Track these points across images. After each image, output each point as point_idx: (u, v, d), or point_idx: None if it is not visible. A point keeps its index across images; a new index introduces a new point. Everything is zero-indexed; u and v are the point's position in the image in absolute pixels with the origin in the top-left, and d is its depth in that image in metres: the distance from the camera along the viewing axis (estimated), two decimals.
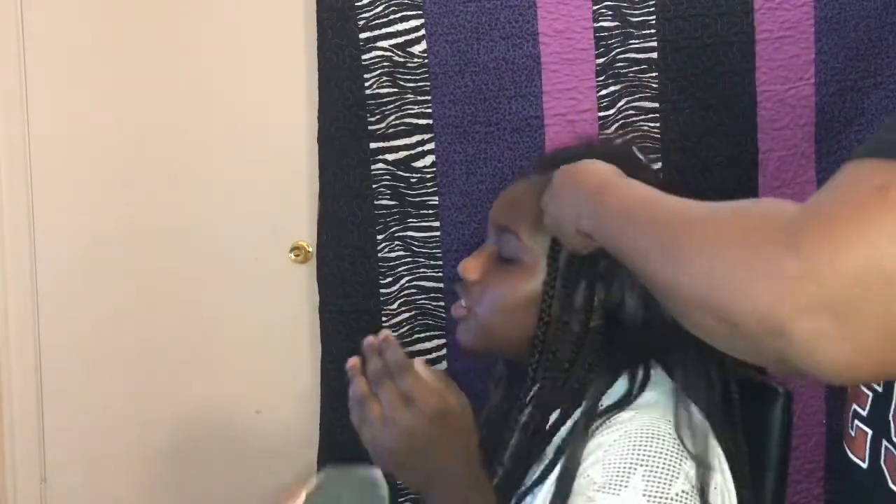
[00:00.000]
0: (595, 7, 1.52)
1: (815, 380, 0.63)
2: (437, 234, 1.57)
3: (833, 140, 1.53)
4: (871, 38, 1.49)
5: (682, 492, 0.82)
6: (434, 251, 1.58)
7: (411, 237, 1.58)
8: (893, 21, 1.48)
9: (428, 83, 1.54)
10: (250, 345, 1.74)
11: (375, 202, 1.58)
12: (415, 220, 1.58)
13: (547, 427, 0.94)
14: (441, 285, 1.59)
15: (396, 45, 1.54)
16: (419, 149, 1.56)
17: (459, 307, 1.05)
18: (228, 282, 1.73)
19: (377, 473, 0.89)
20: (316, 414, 1.64)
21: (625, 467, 0.83)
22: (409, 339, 1.60)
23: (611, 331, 0.96)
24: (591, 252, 0.93)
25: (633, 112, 1.54)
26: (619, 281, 0.95)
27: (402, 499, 1.63)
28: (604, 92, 1.53)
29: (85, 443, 1.77)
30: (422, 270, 1.59)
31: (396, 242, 1.59)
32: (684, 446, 0.85)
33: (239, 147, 1.70)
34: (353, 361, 0.91)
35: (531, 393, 0.97)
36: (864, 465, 0.85)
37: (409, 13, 1.53)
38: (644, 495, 0.81)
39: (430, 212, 1.57)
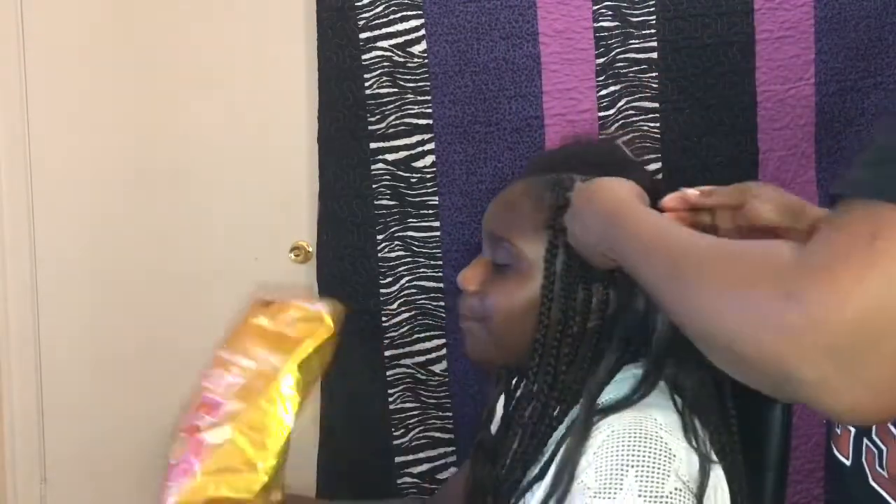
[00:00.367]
0: (595, 7, 1.52)
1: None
2: (437, 234, 1.58)
3: (833, 140, 1.53)
4: (871, 38, 1.49)
5: (676, 489, 0.83)
6: (434, 251, 1.58)
7: (411, 237, 1.58)
8: (893, 21, 1.48)
9: (428, 83, 1.54)
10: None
11: (375, 202, 1.58)
12: (415, 220, 1.58)
13: (545, 427, 0.94)
14: (441, 285, 1.59)
15: (396, 45, 1.54)
16: (419, 149, 1.56)
17: (465, 320, 1.05)
18: (228, 282, 1.73)
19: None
20: (316, 414, 1.64)
21: (617, 470, 0.83)
22: (409, 339, 1.61)
23: (608, 331, 0.96)
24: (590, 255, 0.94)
25: (633, 112, 1.54)
26: (614, 282, 0.96)
27: (402, 499, 1.63)
28: (604, 92, 1.53)
29: (85, 443, 1.77)
30: (422, 270, 1.59)
31: (396, 242, 1.59)
32: (671, 445, 0.85)
33: (239, 147, 1.70)
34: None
35: (531, 394, 0.97)
36: (848, 463, 0.86)
37: (409, 13, 1.53)
38: (639, 496, 0.82)
39: (430, 212, 1.57)
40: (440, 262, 1.58)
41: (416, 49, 1.54)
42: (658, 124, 1.53)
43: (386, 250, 1.59)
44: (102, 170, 1.73)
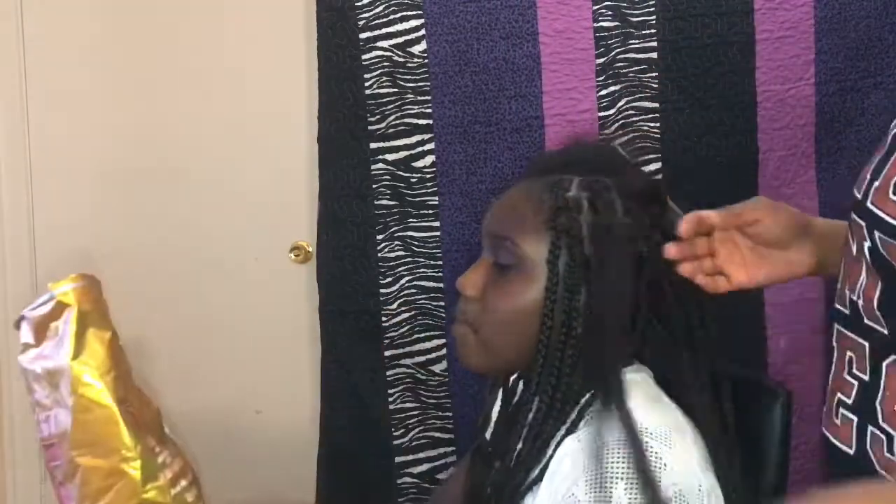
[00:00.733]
0: (595, 7, 1.52)
1: None
2: (437, 234, 1.57)
3: (833, 140, 1.53)
4: (871, 38, 1.49)
5: (666, 498, 0.83)
6: (434, 251, 1.58)
7: (411, 237, 1.58)
8: (893, 21, 1.48)
9: (428, 83, 1.54)
10: (250, 345, 1.74)
11: (375, 202, 1.58)
12: (415, 220, 1.58)
13: (549, 428, 0.94)
14: (441, 285, 1.59)
15: (396, 45, 1.54)
16: (419, 149, 1.56)
17: (460, 326, 1.03)
18: (228, 282, 1.73)
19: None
20: (316, 414, 1.64)
21: (606, 482, 0.83)
22: (408, 339, 1.60)
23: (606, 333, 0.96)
24: (588, 253, 0.93)
25: (633, 112, 1.54)
26: (619, 284, 0.95)
27: (402, 499, 1.63)
28: (604, 92, 1.53)
29: None
30: (422, 270, 1.59)
31: (396, 242, 1.59)
32: (661, 454, 0.85)
33: (239, 147, 1.70)
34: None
35: (533, 395, 0.97)
36: (851, 451, 0.86)
37: (409, 13, 1.53)
38: None
39: (430, 212, 1.57)
40: (440, 262, 1.58)
41: (416, 49, 1.54)
42: (658, 124, 1.53)
43: (386, 250, 1.59)
44: (102, 170, 1.73)
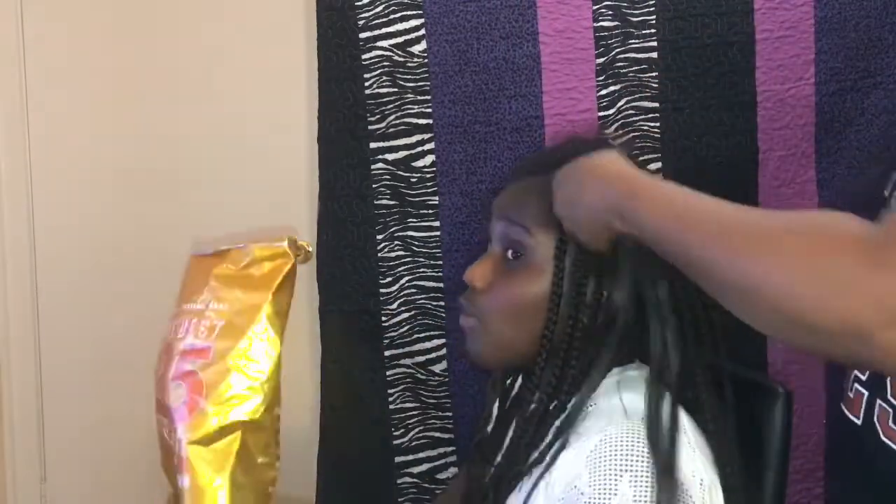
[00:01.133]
0: (595, 7, 1.52)
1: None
2: (437, 234, 1.58)
3: (833, 140, 1.53)
4: (871, 38, 1.49)
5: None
6: (434, 251, 1.58)
7: (411, 237, 1.58)
8: (893, 21, 1.48)
9: (428, 83, 1.54)
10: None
11: (375, 202, 1.58)
12: (415, 220, 1.58)
13: (548, 419, 0.94)
14: (441, 285, 1.59)
15: (396, 45, 1.54)
16: (419, 149, 1.56)
17: (467, 318, 1.03)
18: None
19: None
20: (316, 414, 1.64)
21: (611, 475, 0.83)
22: (408, 339, 1.61)
23: (614, 327, 0.96)
24: (601, 248, 0.93)
25: (633, 112, 1.54)
26: (624, 276, 0.96)
27: (402, 499, 1.63)
28: (604, 92, 1.53)
29: (85, 443, 1.77)
30: (422, 270, 1.59)
31: (396, 242, 1.59)
32: (656, 449, 0.85)
33: (239, 147, 1.70)
34: None
35: (534, 388, 0.97)
36: (859, 422, 0.91)
37: (409, 13, 1.53)
38: (634, 502, 0.82)
39: (430, 212, 1.57)
40: (440, 262, 1.58)
41: (416, 49, 1.54)
42: (658, 124, 1.53)
43: (386, 250, 1.59)
44: (102, 170, 1.73)
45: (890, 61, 1.50)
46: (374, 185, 1.57)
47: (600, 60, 1.53)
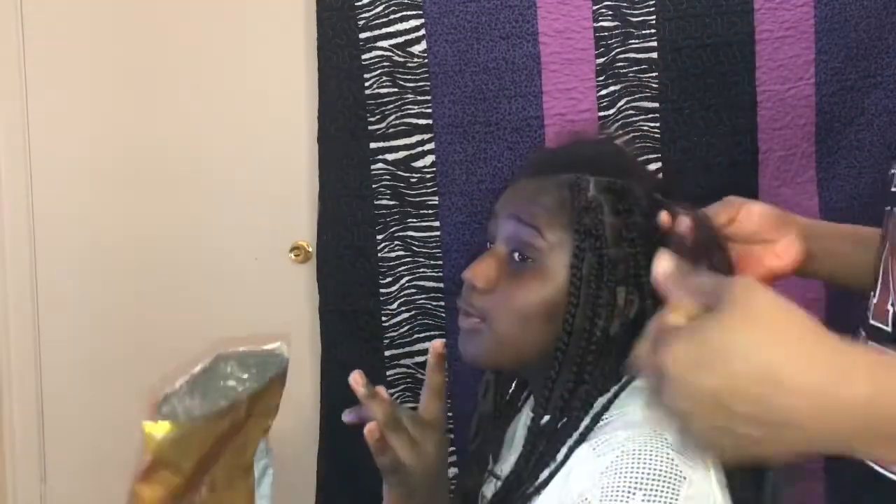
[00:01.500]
0: (595, 7, 1.52)
1: None
2: (437, 234, 1.57)
3: (833, 140, 1.53)
4: (871, 38, 1.49)
5: None
6: (434, 251, 1.58)
7: (411, 237, 1.58)
8: (893, 21, 1.48)
9: (428, 83, 1.54)
10: (250, 345, 1.73)
11: (375, 202, 1.58)
12: (415, 220, 1.58)
13: (564, 435, 0.92)
14: (441, 285, 1.59)
15: (396, 45, 1.54)
16: (419, 149, 1.56)
17: (469, 318, 1.00)
18: (228, 282, 1.73)
19: (276, 347, 0.91)
20: (316, 414, 1.64)
21: (624, 493, 0.82)
22: (408, 339, 1.60)
23: (628, 337, 0.94)
24: (612, 254, 0.92)
25: (633, 112, 1.54)
26: (642, 286, 0.94)
27: None
28: (604, 92, 1.53)
29: (85, 443, 1.77)
30: (422, 270, 1.59)
31: (396, 242, 1.59)
32: (680, 466, 0.84)
33: (239, 147, 1.70)
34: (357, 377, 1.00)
35: (546, 401, 0.95)
36: (889, 329, 0.86)
37: (409, 13, 1.53)
38: None
39: (430, 212, 1.57)
40: (440, 262, 1.58)
41: (416, 49, 1.54)
42: (658, 124, 1.53)
43: (386, 250, 1.59)
44: (102, 170, 1.73)
45: (890, 61, 1.50)
46: (374, 185, 1.57)
47: (600, 60, 1.53)
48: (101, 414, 1.76)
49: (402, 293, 1.60)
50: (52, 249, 1.75)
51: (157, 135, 1.72)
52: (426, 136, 1.55)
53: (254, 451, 0.96)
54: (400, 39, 1.54)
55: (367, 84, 1.54)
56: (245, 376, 0.91)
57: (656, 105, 1.53)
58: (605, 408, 0.92)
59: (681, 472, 0.83)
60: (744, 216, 0.98)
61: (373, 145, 1.56)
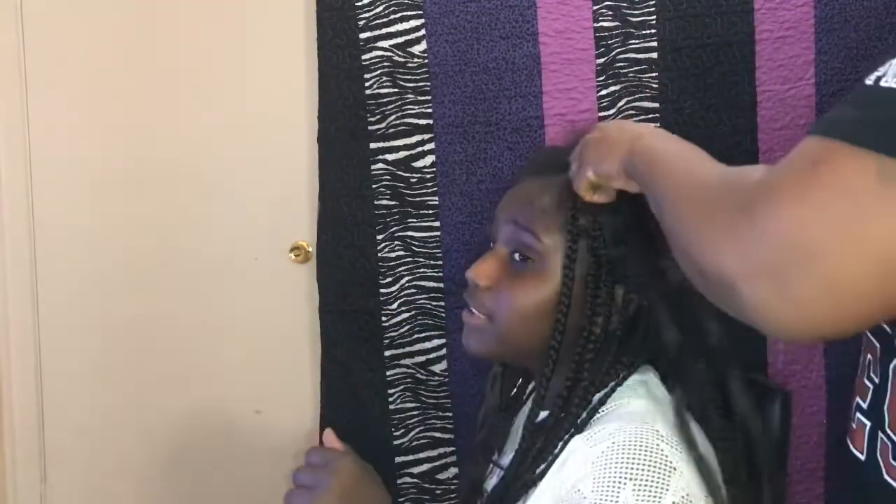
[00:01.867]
0: (595, 7, 1.52)
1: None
2: (437, 234, 1.58)
3: None
4: (871, 38, 1.49)
5: (673, 503, 0.82)
6: (434, 251, 1.58)
7: (411, 237, 1.58)
8: (893, 21, 1.48)
9: (428, 83, 1.54)
10: (250, 345, 1.74)
11: (375, 202, 1.58)
12: (415, 220, 1.58)
13: (562, 430, 0.93)
14: (441, 285, 1.59)
15: (396, 45, 1.54)
16: (419, 149, 1.56)
17: (472, 314, 1.02)
18: (228, 282, 1.73)
19: None
20: (316, 414, 1.64)
21: (615, 482, 0.83)
22: (408, 339, 1.61)
23: (626, 335, 0.95)
24: (609, 254, 0.92)
25: (633, 112, 1.54)
26: (636, 284, 0.94)
27: (402, 499, 1.63)
28: (604, 92, 1.53)
29: (85, 443, 1.77)
30: (422, 270, 1.59)
31: (396, 242, 1.59)
32: (671, 458, 0.84)
33: (239, 147, 1.70)
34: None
35: (544, 398, 0.96)
36: (862, 458, 0.86)
37: (409, 13, 1.53)
38: None
39: (430, 212, 1.57)
40: (440, 262, 1.58)
41: (416, 49, 1.54)
42: (658, 124, 1.53)
43: (386, 250, 1.59)
44: (102, 170, 1.73)
45: (890, 61, 1.49)
46: (374, 185, 1.57)
47: (600, 61, 1.53)
48: (102, 414, 1.76)
49: (402, 293, 1.60)
50: (51, 249, 1.75)
51: (157, 134, 1.72)
52: (426, 137, 1.56)
53: None
54: (400, 39, 1.54)
55: (367, 84, 1.55)
56: None
57: (656, 105, 1.53)
58: (602, 402, 0.93)
59: (671, 462, 0.84)
60: None
61: (373, 145, 1.56)
